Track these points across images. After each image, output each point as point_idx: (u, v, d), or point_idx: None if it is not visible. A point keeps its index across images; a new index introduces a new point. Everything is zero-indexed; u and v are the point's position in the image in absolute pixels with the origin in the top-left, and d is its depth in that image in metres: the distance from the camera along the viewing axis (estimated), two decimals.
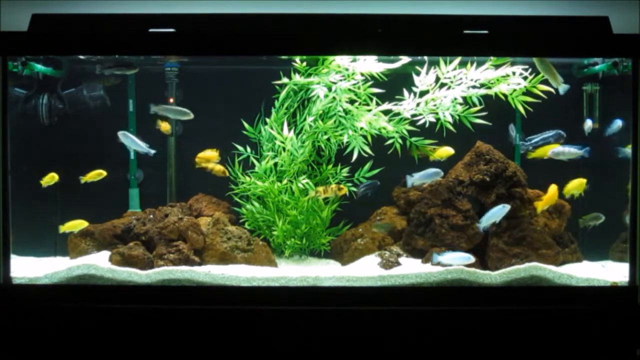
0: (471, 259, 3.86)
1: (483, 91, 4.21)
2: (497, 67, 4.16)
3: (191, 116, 4.32)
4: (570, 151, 4.05)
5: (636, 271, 3.73)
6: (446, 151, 4.26)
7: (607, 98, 4.37)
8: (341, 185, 4.23)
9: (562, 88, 3.96)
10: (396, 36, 3.85)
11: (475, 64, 4.18)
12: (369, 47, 3.89)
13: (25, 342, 3.66)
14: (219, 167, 4.28)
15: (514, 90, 4.16)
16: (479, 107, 4.21)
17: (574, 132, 4.28)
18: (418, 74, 4.25)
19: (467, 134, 4.25)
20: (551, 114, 4.26)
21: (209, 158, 4.30)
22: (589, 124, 4.26)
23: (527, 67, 4.15)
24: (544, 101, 4.13)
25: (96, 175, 4.26)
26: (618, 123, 4.16)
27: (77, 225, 4.20)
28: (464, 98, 4.23)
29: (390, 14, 4.10)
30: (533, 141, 4.28)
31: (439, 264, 3.86)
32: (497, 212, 3.93)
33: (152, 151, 4.21)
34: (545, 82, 4.07)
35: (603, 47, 3.86)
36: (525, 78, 4.15)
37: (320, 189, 4.23)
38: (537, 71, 4.07)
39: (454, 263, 3.84)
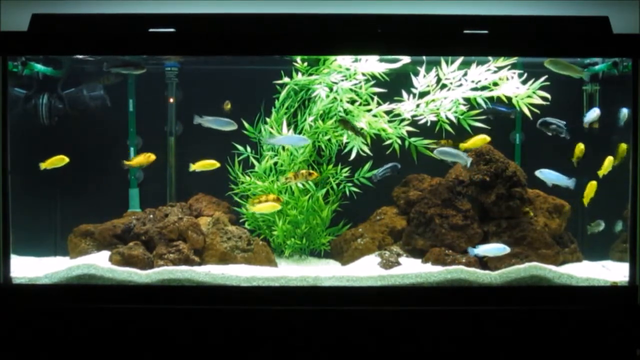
0: (506, 249, 3.88)
1: (485, 93, 4.22)
2: (499, 69, 4.16)
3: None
4: (453, 153, 4.10)
5: (636, 271, 3.73)
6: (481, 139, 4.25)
7: (607, 98, 4.38)
8: (311, 171, 4.23)
9: (585, 75, 4.07)
10: (396, 36, 3.85)
11: (475, 65, 4.20)
12: (369, 47, 3.89)
13: (25, 342, 3.66)
14: (272, 197, 4.25)
15: (517, 94, 4.18)
16: (478, 111, 4.22)
17: (575, 131, 4.30)
18: (419, 74, 4.26)
19: (467, 133, 4.26)
20: (551, 114, 4.28)
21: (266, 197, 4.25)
22: (596, 112, 4.24)
23: (522, 72, 4.17)
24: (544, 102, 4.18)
25: (145, 159, 4.28)
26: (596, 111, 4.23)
27: (265, 208, 4.17)
28: (467, 99, 4.24)
29: (391, 14, 4.10)
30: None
31: (476, 256, 3.90)
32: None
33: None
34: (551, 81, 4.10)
35: (603, 47, 3.87)
36: (524, 82, 4.17)
37: (291, 174, 4.23)
38: (540, 73, 4.10)
39: (490, 254, 3.89)
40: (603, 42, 3.83)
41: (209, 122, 4.22)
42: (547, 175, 4.08)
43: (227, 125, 4.26)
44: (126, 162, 4.34)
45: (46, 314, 3.66)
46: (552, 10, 4.23)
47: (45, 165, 4.12)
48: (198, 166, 4.27)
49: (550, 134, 4.20)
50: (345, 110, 4.36)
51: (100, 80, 4.45)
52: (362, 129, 4.23)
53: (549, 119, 4.17)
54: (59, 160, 4.15)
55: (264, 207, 4.18)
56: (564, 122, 4.18)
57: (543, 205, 4.27)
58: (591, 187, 4.16)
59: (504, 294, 3.74)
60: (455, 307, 3.68)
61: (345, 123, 4.24)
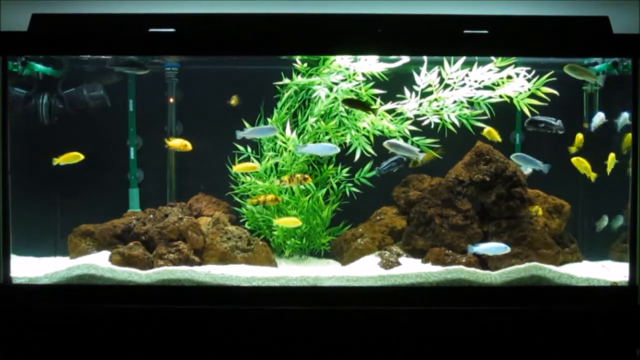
0: (507, 248, 3.88)
1: (487, 93, 4.22)
2: (501, 69, 4.17)
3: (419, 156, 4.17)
4: (405, 147, 4.15)
5: (636, 271, 3.73)
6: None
7: (607, 98, 4.38)
8: (306, 175, 4.23)
9: (600, 79, 4.12)
10: (396, 36, 3.85)
11: (476, 65, 4.20)
12: (369, 47, 3.89)
13: (25, 342, 3.66)
14: (271, 196, 4.25)
15: (519, 93, 4.17)
16: (481, 111, 4.23)
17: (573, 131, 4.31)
18: (420, 73, 4.26)
19: (467, 133, 4.26)
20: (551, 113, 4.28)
21: (265, 196, 4.26)
22: (601, 116, 4.24)
23: (529, 68, 4.17)
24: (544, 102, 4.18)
25: (182, 146, 4.28)
26: (601, 116, 4.25)
27: (286, 222, 4.28)
28: (468, 100, 4.24)
29: (391, 14, 4.10)
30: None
31: (474, 254, 3.91)
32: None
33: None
34: (550, 83, 4.12)
35: (603, 47, 3.86)
36: (528, 80, 4.17)
37: (285, 177, 4.23)
38: (540, 72, 4.12)
39: (490, 253, 3.89)
40: (603, 42, 3.83)
41: (252, 133, 4.23)
42: (522, 159, 4.14)
43: (269, 132, 4.30)
44: (167, 140, 4.33)
45: (46, 314, 3.66)
46: (552, 10, 4.23)
47: (59, 160, 4.13)
48: (239, 169, 4.30)
49: (548, 132, 4.20)
50: (346, 110, 4.36)
51: (101, 80, 4.45)
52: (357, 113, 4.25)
53: (536, 118, 4.18)
54: (74, 157, 4.15)
55: (286, 221, 4.25)
56: (555, 119, 4.19)
57: (543, 205, 4.27)
58: (579, 162, 4.18)
59: (504, 294, 3.74)
60: (455, 307, 3.68)
61: (351, 102, 4.23)
